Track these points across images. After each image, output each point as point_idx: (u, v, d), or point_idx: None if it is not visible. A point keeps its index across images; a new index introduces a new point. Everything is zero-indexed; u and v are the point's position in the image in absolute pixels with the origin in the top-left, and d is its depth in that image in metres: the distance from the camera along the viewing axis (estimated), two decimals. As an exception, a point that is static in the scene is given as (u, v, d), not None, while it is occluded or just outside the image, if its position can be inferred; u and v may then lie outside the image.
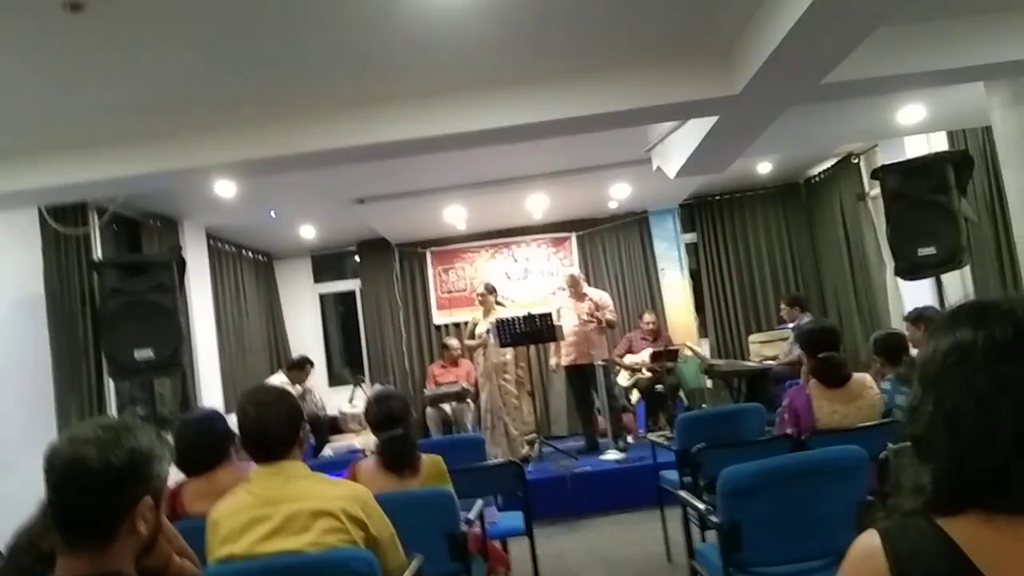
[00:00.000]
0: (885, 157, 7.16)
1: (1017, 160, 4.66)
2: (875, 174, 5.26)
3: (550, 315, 6.68)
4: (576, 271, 7.29)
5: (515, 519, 3.95)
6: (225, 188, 5.55)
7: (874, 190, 7.56)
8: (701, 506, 2.78)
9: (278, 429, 2.18)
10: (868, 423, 3.31)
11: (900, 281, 7.34)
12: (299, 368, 7.62)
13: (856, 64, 3.31)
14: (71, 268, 4.97)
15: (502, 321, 6.62)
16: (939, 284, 5.27)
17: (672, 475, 4.41)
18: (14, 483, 4.08)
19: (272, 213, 6.56)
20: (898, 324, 7.46)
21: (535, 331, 6.60)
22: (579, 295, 7.09)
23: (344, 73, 3.43)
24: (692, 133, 4.57)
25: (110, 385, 5.31)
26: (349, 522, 2.10)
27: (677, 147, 5.19)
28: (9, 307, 4.54)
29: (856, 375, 3.40)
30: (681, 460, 4.09)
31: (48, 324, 4.77)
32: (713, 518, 2.62)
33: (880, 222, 7.50)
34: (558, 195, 7.40)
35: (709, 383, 8.44)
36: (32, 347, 4.68)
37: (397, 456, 2.90)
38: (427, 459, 2.97)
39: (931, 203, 4.98)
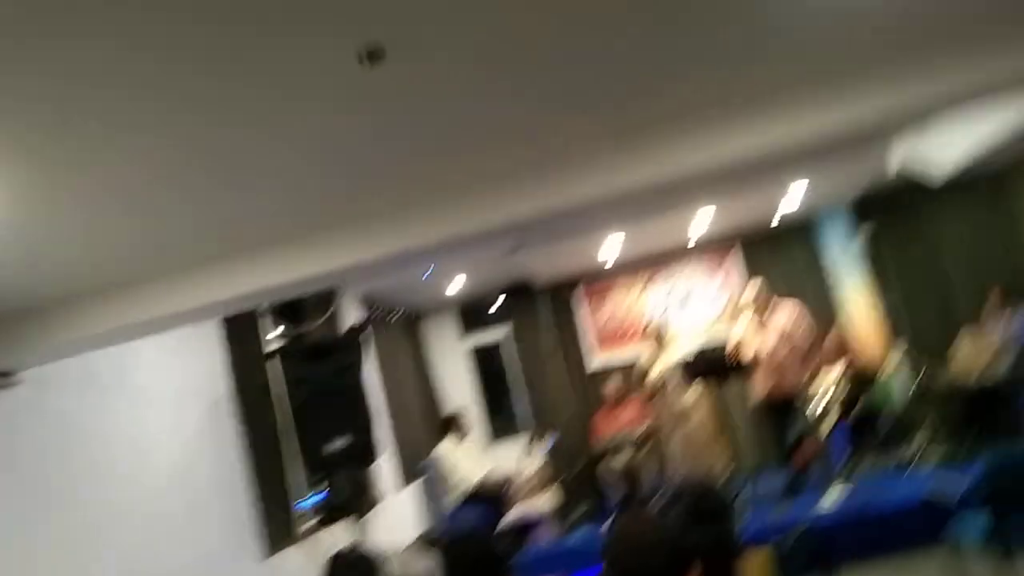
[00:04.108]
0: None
1: None
2: None
3: (738, 347, 5.99)
4: (759, 285, 6.54)
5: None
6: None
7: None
8: None
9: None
10: None
11: None
12: (455, 426, 7.19)
13: None
14: (248, 358, 4.64)
15: (687, 361, 5.98)
16: None
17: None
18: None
19: (428, 272, 6.16)
20: None
21: (725, 367, 5.94)
22: (766, 310, 6.37)
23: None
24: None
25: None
26: None
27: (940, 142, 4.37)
28: (198, 413, 4.21)
29: None
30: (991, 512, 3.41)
31: (241, 427, 4.44)
32: None
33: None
34: (724, 204, 6.65)
35: (908, 400, 7.51)
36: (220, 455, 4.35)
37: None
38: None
39: None
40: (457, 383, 8.38)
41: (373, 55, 1.90)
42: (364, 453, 4.35)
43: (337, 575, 2.47)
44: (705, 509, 2.34)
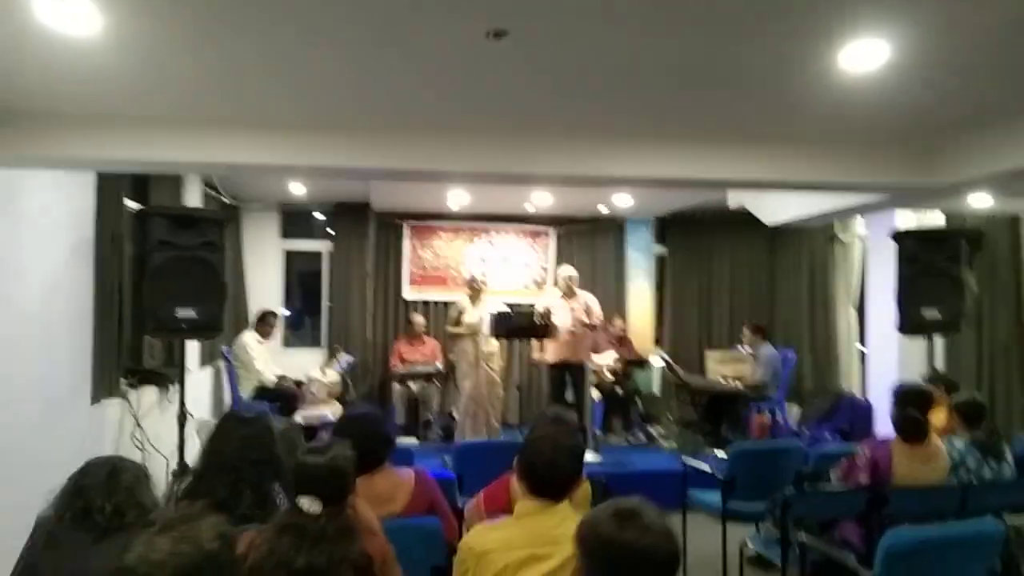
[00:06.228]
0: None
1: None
2: (895, 237, 5.67)
3: (550, 313, 6.76)
4: (573, 271, 7.39)
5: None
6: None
7: (843, 234, 8.11)
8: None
9: (569, 472, 2.18)
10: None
11: (855, 323, 7.99)
12: (267, 323, 7.38)
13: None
14: (110, 212, 4.58)
15: (501, 314, 6.63)
16: (930, 341, 5.83)
17: (708, 496, 4.67)
18: (58, 435, 3.80)
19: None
20: (846, 359, 8.10)
21: (532, 327, 6.65)
22: (572, 294, 7.23)
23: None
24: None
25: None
26: None
27: (783, 200, 5.41)
28: (65, 252, 4.12)
29: (934, 436, 3.73)
30: (727, 488, 4.39)
31: (95, 273, 4.39)
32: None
33: (847, 265, 8.09)
34: (561, 194, 7.43)
35: (656, 390, 8.83)
36: (77, 295, 4.29)
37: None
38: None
39: (942, 271, 5.47)
40: (267, 283, 8.44)
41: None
42: (210, 326, 4.48)
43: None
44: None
